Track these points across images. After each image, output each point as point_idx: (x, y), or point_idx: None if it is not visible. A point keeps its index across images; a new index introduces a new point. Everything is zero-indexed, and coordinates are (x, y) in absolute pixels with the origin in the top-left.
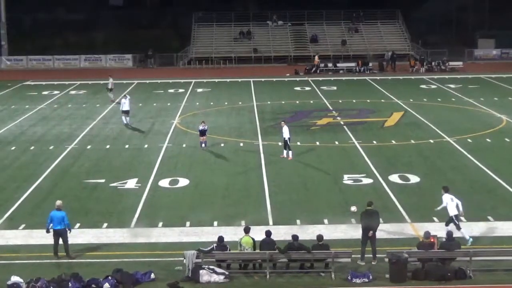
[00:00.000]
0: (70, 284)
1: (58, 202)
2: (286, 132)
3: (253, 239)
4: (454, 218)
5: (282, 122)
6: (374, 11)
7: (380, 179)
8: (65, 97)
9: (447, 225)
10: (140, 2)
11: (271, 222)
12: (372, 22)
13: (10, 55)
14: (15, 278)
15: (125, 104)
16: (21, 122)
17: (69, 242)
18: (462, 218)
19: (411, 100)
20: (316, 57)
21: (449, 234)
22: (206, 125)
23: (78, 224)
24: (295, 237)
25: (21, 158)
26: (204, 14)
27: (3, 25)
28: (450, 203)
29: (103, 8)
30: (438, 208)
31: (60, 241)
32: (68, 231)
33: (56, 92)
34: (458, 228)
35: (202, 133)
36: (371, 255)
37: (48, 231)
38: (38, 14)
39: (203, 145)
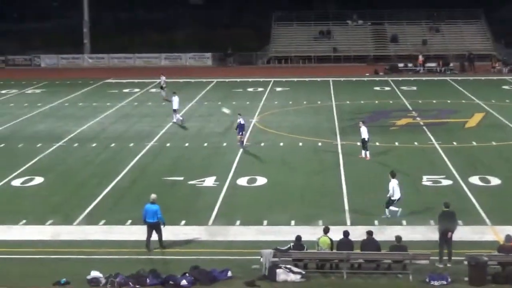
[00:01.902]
0: (148, 280)
1: (153, 196)
2: (364, 132)
3: (331, 239)
4: (396, 200)
5: (361, 123)
6: (456, 10)
7: (460, 180)
8: (145, 95)
9: (387, 207)
10: (220, 1)
11: (348, 223)
12: (453, 22)
13: (92, 53)
14: (94, 273)
15: (174, 102)
16: (102, 120)
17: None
18: None
19: (493, 101)
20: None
21: None
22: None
23: None
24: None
25: (102, 155)
26: (284, 14)
27: (86, 24)
28: (396, 187)
29: (183, 7)
30: (390, 193)
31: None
32: (162, 226)
33: (136, 90)
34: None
35: (242, 128)
36: (447, 257)
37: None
38: (120, 13)
39: (247, 143)
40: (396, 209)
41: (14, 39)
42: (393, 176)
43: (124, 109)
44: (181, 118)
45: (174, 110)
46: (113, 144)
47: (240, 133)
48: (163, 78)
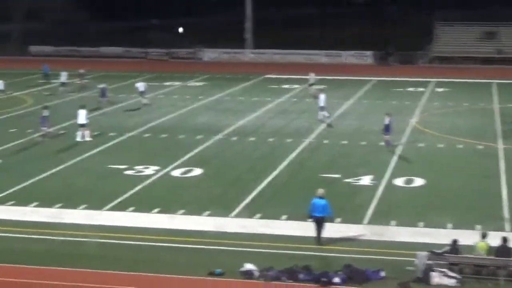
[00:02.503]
0: (301, 276)
1: (321, 191)
2: None
3: (489, 245)
4: None
5: None
6: None
7: None
8: (304, 91)
9: None
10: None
11: (508, 229)
12: None
13: (254, 48)
14: (248, 266)
15: (321, 100)
16: (261, 114)
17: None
18: None
19: None
20: None
21: None
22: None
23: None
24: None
25: (260, 149)
26: (448, 13)
27: (248, 19)
28: None
29: (346, 5)
30: None
31: None
32: (330, 220)
33: (295, 86)
34: None
35: (387, 129)
36: None
37: (309, 218)
38: (285, 9)
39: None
40: None
41: (178, 32)
42: None
43: (283, 104)
44: (327, 115)
45: (321, 108)
46: (271, 139)
47: (387, 133)
48: (312, 75)
